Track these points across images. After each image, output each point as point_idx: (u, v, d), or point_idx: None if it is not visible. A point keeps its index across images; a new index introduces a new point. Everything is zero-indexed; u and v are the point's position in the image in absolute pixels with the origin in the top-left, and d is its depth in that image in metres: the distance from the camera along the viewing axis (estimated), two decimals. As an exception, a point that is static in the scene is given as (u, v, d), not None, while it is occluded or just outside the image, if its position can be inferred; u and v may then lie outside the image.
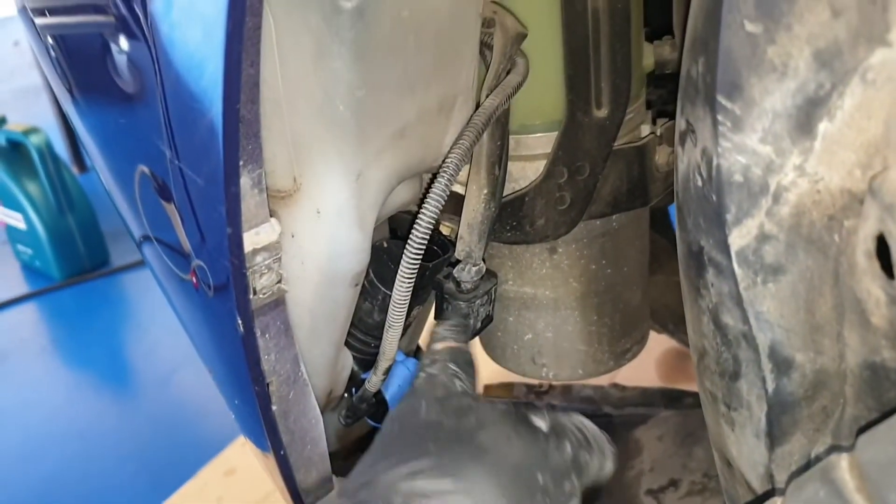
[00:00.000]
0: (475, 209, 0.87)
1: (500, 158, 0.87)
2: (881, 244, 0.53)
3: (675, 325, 1.49)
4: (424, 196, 0.79)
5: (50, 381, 2.35)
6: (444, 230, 0.92)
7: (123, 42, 0.72)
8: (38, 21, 0.85)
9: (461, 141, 0.80)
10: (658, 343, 1.72)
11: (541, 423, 0.66)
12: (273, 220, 0.72)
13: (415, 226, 0.78)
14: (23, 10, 0.87)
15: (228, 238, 0.67)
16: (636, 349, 1.10)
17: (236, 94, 0.61)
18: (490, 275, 0.92)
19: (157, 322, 2.48)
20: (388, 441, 0.66)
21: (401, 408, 0.71)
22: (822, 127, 0.55)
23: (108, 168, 0.91)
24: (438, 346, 0.79)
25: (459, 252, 0.88)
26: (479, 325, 0.92)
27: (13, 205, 2.75)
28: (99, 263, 2.84)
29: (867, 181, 0.54)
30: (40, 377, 2.37)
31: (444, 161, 0.80)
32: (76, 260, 2.80)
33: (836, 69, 0.53)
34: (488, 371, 1.32)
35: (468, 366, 0.78)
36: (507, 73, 0.84)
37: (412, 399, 0.71)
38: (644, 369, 1.82)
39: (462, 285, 0.88)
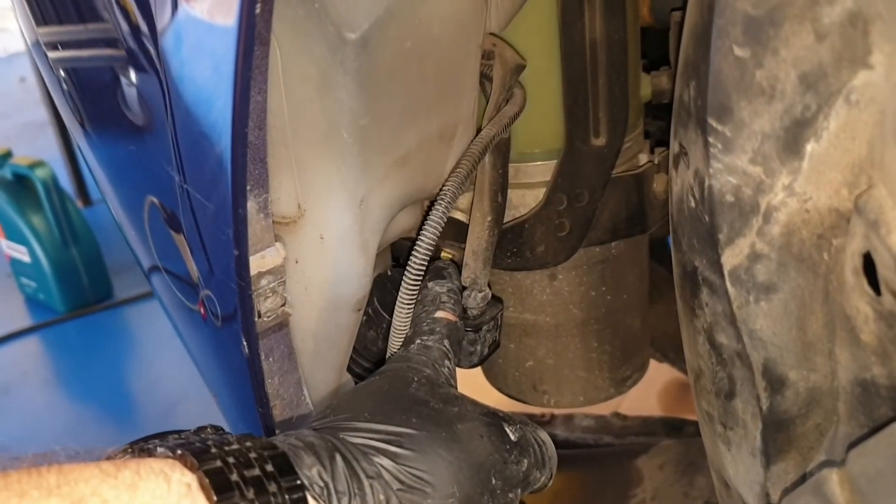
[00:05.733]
0: (480, 236, 0.88)
1: (502, 186, 0.88)
2: (868, 261, 0.54)
3: (675, 353, 1.50)
4: (423, 221, 0.80)
5: (53, 414, 2.34)
6: (446, 256, 0.93)
7: (134, 75, 0.74)
8: (52, 55, 0.87)
9: (458, 168, 0.82)
10: (660, 374, 1.73)
11: (511, 433, 0.70)
12: (278, 244, 0.74)
13: (414, 250, 0.80)
14: (36, 45, 0.89)
15: (235, 260, 0.69)
16: (637, 376, 1.11)
17: (245, 119, 0.63)
18: (496, 300, 0.92)
19: (161, 355, 2.47)
20: (376, 395, 0.69)
21: (394, 369, 0.74)
22: (810, 147, 0.56)
23: (118, 199, 0.92)
24: (438, 314, 0.81)
25: (465, 279, 0.89)
26: (486, 350, 0.92)
27: (18, 238, 2.76)
28: (102, 296, 2.84)
29: (853, 200, 0.55)
30: (43, 410, 2.36)
31: (442, 187, 0.81)
32: (80, 293, 2.80)
33: (821, 91, 0.55)
34: (490, 399, 1.32)
35: (458, 346, 0.81)
36: (506, 103, 0.86)
37: (405, 366, 0.74)
38: (646, 400, 1.82)
39: (469, 311, 0.89)
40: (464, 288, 0.89)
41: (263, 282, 0.73)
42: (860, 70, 0.53)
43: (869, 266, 0.54)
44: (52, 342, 2.71)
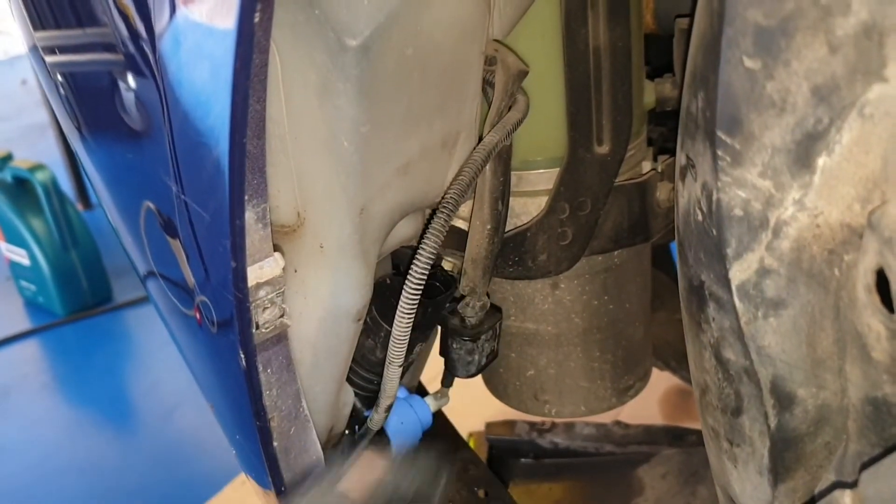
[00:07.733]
0: (479, 244, 0.87)
1: (503, 194, 0.87)
2: (881, 278, 0.53)
3: (677, 362, 1.49)
4: (424, 231, 0.80)
5: (51, 418, 2.34)
6: (447, 266, 0.92)
7: (132, 80, 0.73)
8: (49, 59, 0.86)
9: (460, 177, 0.81)
10: (661, 381, 1.72)
11: None
12: (277, 254, 0.72)
13: (414, 260, 0.79)
14: (33, 49, 0.88)
15: (233, 272, 0.68)
16: (639, 386, 1.10)
17: (243, 129, 0.62)
18: (494, 310, 0.92)
19: (159, 358, 2.47)
20: None
21: None
22: (821, 161, 0.55)
23: (114, 204, 0.91)
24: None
25: (464, 287, 0.88)
26: (484, 360, 0.92)
27: (17, 241, 2.76)
28: (102, 300, 2.84)
29: (866, 215, 0.54)
30: (42, 413, 2.36)
31: (443, 196, 0.80)
32: (79, 296, 2.80)
33: (834, 104, 0.54)
34: (492, 410, 1.32)
35: None
36: (509, 109, 0.85)
37: None
38: (647, 408, 1.81)
39: (467, 321, 0.88)
40: (462, 297, 0.88)
41: (262, 293, 0.72)
42: (875, 83, 0.52)
43: (882, 283, 0.53)
44: (51, 345, 2.71)
